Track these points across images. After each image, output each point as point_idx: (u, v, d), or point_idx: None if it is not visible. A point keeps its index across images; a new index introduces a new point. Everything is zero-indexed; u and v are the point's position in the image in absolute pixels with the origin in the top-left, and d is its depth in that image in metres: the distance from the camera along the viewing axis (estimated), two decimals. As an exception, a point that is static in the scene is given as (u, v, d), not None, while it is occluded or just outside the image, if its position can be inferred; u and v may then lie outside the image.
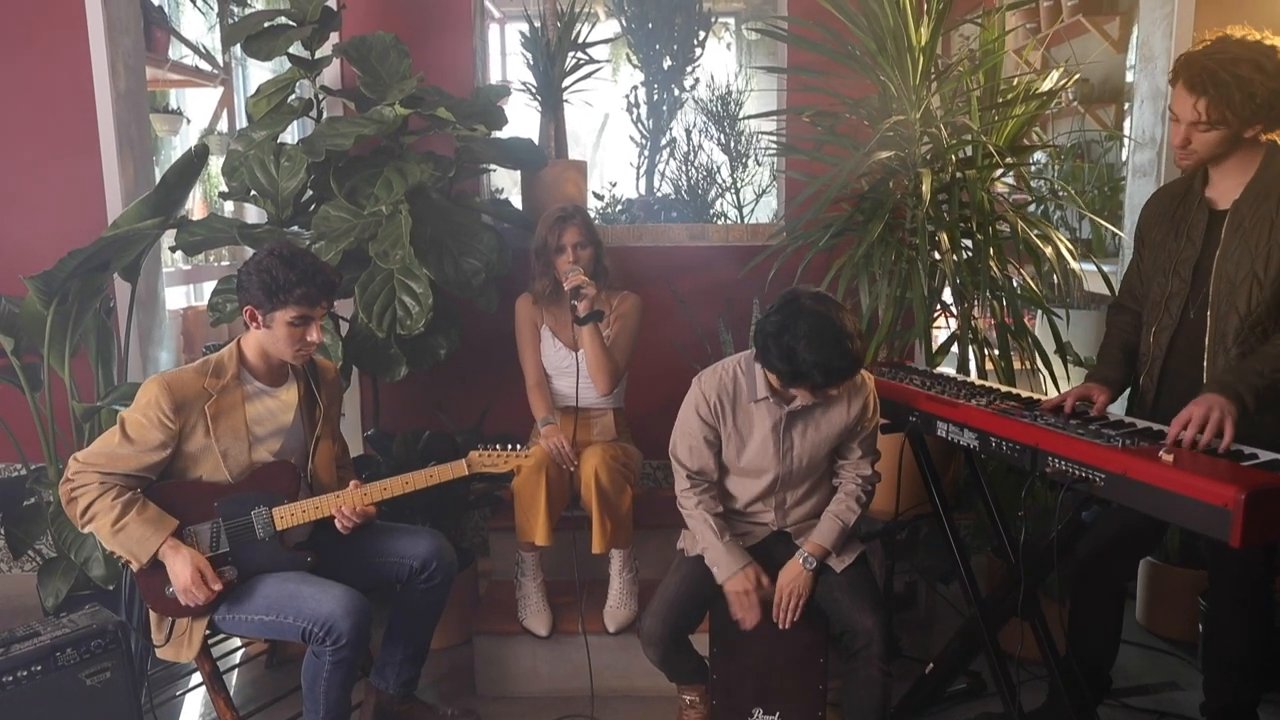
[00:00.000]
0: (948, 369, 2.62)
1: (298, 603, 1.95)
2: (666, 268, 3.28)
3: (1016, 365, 2.73)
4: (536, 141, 3.16)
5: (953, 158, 2.64)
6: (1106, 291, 2.62)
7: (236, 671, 2.73)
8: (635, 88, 3.71)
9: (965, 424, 1.96)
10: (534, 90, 3.22)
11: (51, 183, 3.09)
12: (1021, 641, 2.03)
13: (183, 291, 4.30)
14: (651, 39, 3.61)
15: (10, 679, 1.96)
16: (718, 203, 3.81)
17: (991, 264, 2.60)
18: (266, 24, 2.75)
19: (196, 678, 2.54)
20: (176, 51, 4.12)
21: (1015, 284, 2.70)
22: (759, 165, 3.88)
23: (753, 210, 3.93)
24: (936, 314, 2.76)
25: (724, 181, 3.80)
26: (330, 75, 3.21)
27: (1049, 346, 2.75)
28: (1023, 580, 1.93)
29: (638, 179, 3.79)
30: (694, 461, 2.14)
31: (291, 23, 2.76)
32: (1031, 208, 2.94)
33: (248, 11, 3.87)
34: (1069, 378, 2.86)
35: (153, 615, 2.04)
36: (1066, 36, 4.58)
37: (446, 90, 2.94)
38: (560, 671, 2.58)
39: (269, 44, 2.71)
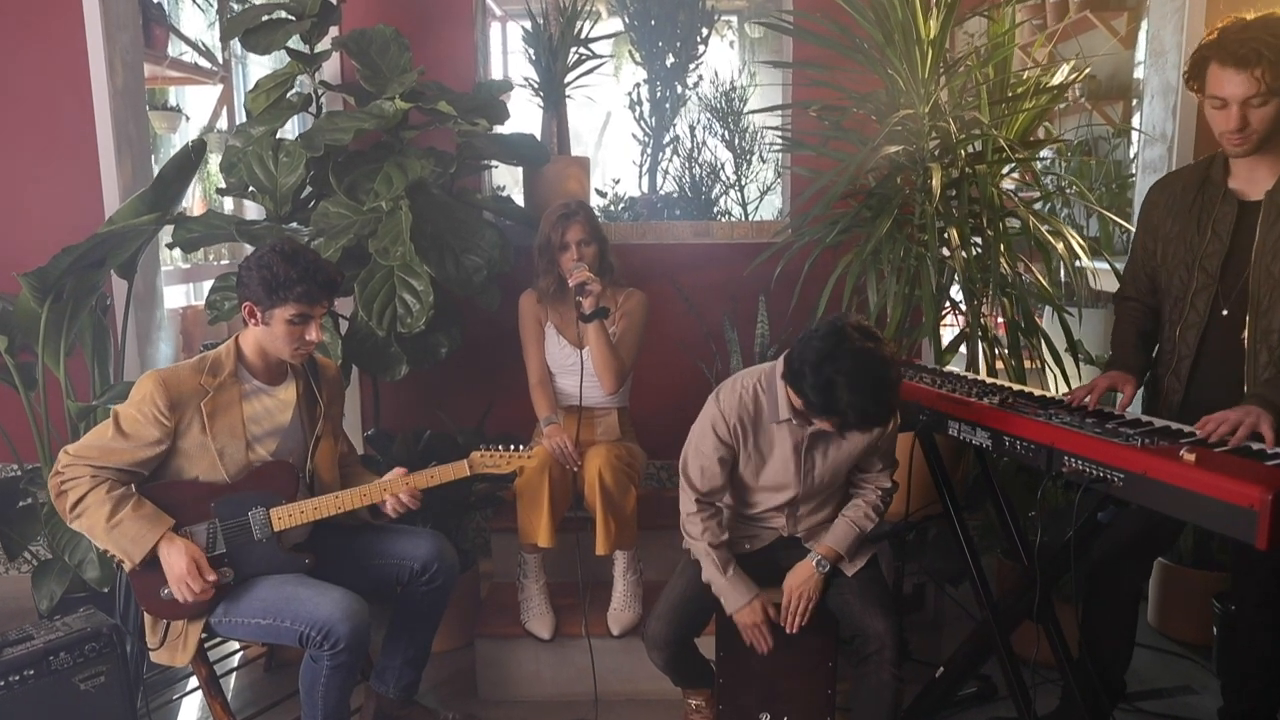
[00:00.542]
0: (954, 367, 2.58)
1: (294, 606, 1.91)
2: (670, 265, 3.24)
3: (1027, 364, 2.69)
4: (539, 138, 3.12)
5: (962, 152, 2.60)
6: (1112, 289, 2.58)
7: (235, 675, 2.69)
8: (638, 85, 3.67)
9: (978, 423, 1.92)
10: (536, 86, 3.18)
11: (49, 180, 3.07)
12: (1037, 646, 1.98)
13: (182, 290, 4.26)
14: (654, 36, 3.57)
15: (2, 684, 1.92)
16: (722, 200, 3.77)
17: (1002, 260, 2.55)
18: (265, 18, 2.71)
19: (193, 681, 2.49)
20: (176, 49, 4.09)
21: (1025, 281, 2.66)
22: (763, 162, 3.84)
23: (757, 208, 3.90)
24: (945, 311, 2.71)
25: (728, 179, 3.76)
26: (330, 70, 3.17)
27: (1059, 345, 2.71)
28: (1039, 583, 1.88)
29: (640, 177, 3.76)
30: (705, 483, 2.04)
31: (290, 16, 2.72)
32: (1038, 205, 2.90)
33: (246, 5, 3.84)
34: (1080, 376, 2.82)
35: (147, 618, 2.00)
36: (1073, 33, 4.54)
37: (448, 85, 2.90)
38: (563, 675, 2.54)
39: (267, 37, 2.67)
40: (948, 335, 2.92)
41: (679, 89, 3.65)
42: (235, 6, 4.01)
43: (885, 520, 2.47)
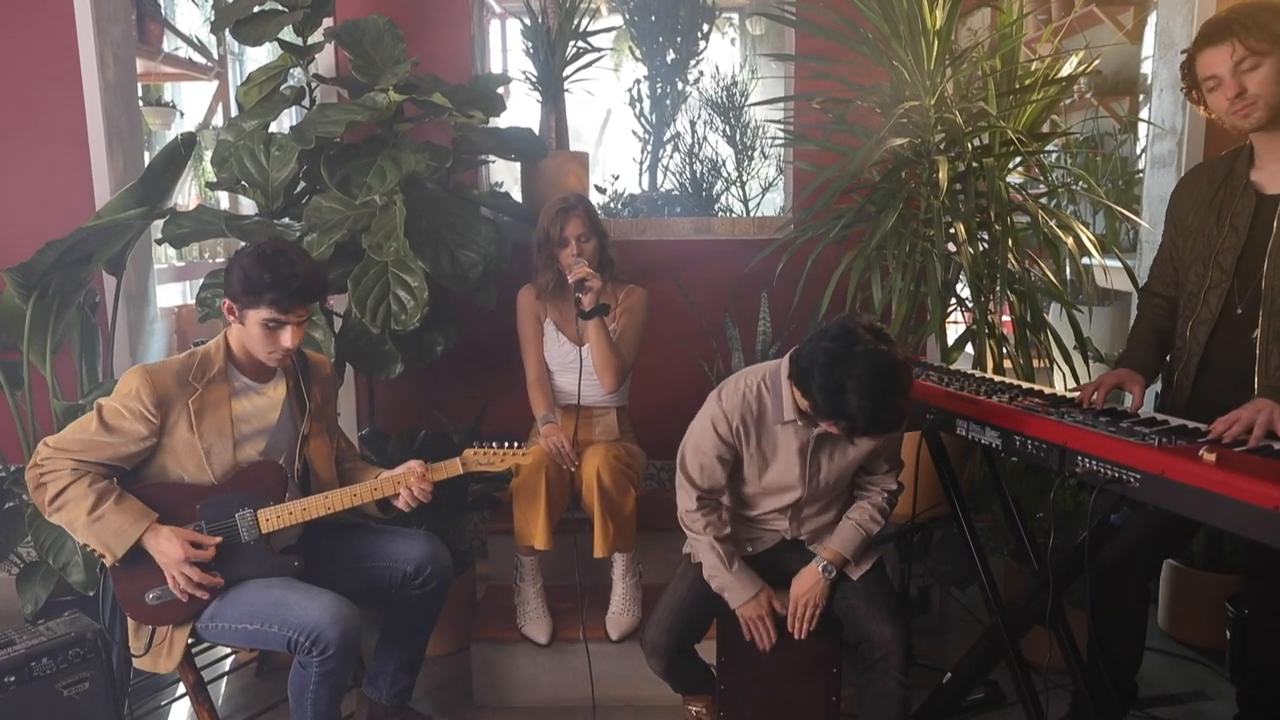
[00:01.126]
0: (960, 365, 2.53)
1: (282, 611, 1.86)
2: (670, 262, 3.19)
3: (1035, 363, 2.63)
4: (537, 133, 3.07)
5: (969, 145, 2.54)
6: (1124, 287, 2.53)
7: (226, 680, 2.63)
8: (638, 81, 3.62)
9: (987, 422, 1.86)
10: (534, 80, 3.13)
11: (38, 175, 3.01)
12: (1050, 652, 1.92)
13: (177, 289, 4.21)
14: (654, 31, 3.52)
15: (-18, 690, 1.86)
16: (723, 197, 3.72)
17: (1010, 256, 2.49)
18: (257, 8, 2.66)
19: (181, 687, 2.44)
20: (171, 44, 4.04)
21: (1034, 277, 2.60)
22: (765, 158, 3.79)
23: (758, 205, 3.85)
24: (951, 308, 2.66)
25: (729, 174, 3.71)
26: (325, 64, 3.12)
27: (1067, 343, 2.65)
28: (1052, 589, 1.82)
29: (641, 174, 3.71)
30: (704, 480, 1.98)
31: (283, 7, 2.67)
32: (1044, 200, 2.84)
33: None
34: (1089, 375, 2.76)
35: (130, 623, 1.94)
36: (1079, 27, 4.49)
37: (443, 79, 2.85)
38: (561, 680, 2.48)
39: (259, 29, 2.61)
40: (953, 332, 2.86)
41: (680, 85, 3.59)
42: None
43: (891, 521, 2.42)
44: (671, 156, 3.70)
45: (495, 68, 3.92)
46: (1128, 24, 4.40)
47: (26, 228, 2.88)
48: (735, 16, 5.71)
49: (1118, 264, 2.79)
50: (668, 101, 3.60)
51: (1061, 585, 1.86)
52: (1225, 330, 1.88)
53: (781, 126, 3.10)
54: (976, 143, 2.60)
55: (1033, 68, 2.70)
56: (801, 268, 2.66)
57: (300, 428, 2.07)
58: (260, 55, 4.47)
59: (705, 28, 3.55)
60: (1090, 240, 2.52)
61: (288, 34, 2.72)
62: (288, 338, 1.92)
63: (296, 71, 2.81)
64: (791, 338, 2.53)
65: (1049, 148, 3.59)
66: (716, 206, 3.68)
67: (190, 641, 1.97)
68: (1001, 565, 2.78)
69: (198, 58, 4.24)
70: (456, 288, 2.56)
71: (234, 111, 4.32)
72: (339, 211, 2.51)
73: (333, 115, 2.51)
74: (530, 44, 3.08)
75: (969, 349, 2.76)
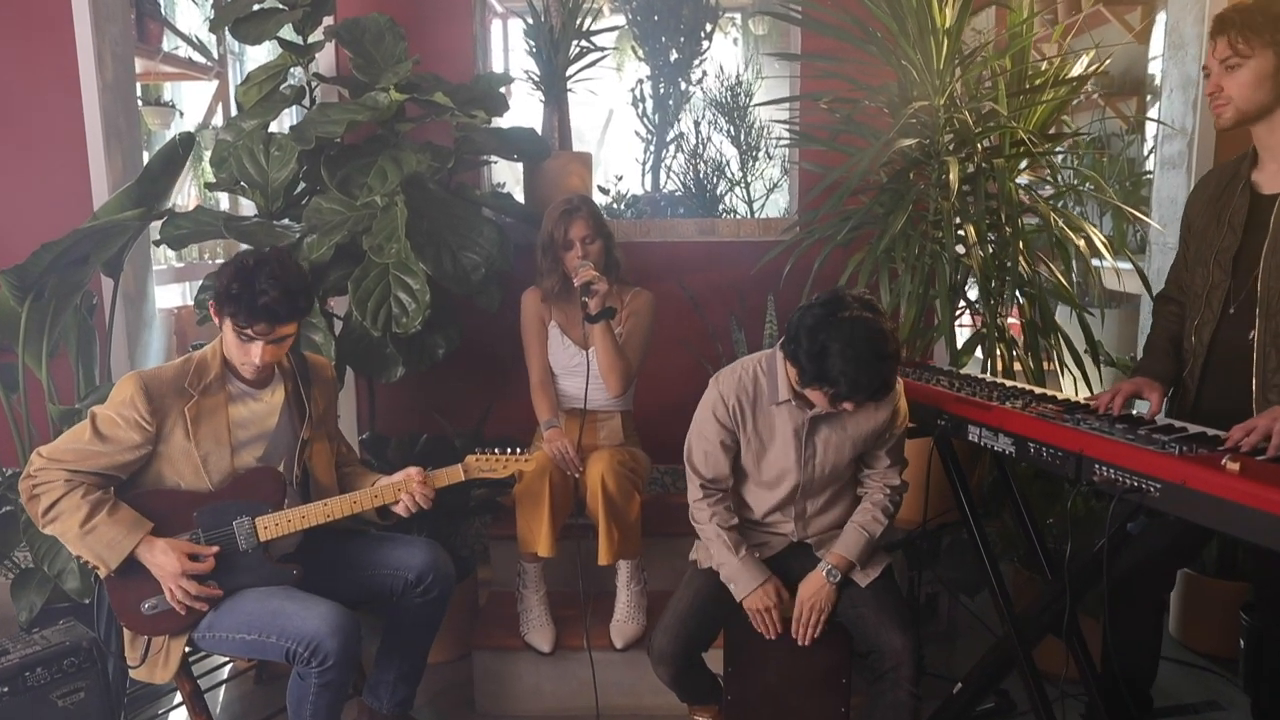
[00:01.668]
0: (968, 370, 2.49)
1: (281, 620, 1.82)
2: (675, 264, 3.15)
3: (1045, 366, 2.59)
4: (539, 133, 3.03)
5: (979, 146, 2.51)
6: (1133, 289, 2.49)
7: (224, 687, 2.59)
8: (640, 81, 3.58)
9: (1001, 428, 1.82)
10: (537, 80, 3.09)
11: (35, 175, 2.98)
12: (1067, 664, 1.88)
13: (177, 290, 4.17)
14: (657, 31, 3.49)
15: (-26, 702, 1.83)
16: (726, 198, 3.68)
17: (1021, 259, 2.45)
18: (256, 6, 2.62)
19: (178, 696, 2.40)
20: (170, 43, 4.01)
21: (1043, 278, 2.56)
22: (769, 158, 3.75)
23: (762, 206, 3.81)
24: (959, 311, 2.62)
25: (733, 175, 3.67)
26: (325, 63, 3.08)
27: (1076, 346, 2.61)
28: (1069, 599, 1.78)
29: (643, 175, 3.67)
30: (709, 469, 2.01)
31: (283, 5, 2.63)
32: (1052, 202, 2.81)
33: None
34: (1101, 379, 2.72)
35: (126, 633, 1.90)
36: (1086, 27, 4.45)
37: (445, 78, 2.81)
38: (564, 689, 2.45)
39: (258, 27, 2.58)
40: (960, 336, 2.83)
41: (683, 85, 3.56)
42: (229, -1, 3.92)
43: (901, 528, 2.38)
44: (674, 157, 3.66)
45: (496, 68, 3.88)
46: (1135, 24, 4.36)
47: (24, 229, 2.85)
48: (738, 17, 5.68)
49: (1125, 266, 2.75)
50: (670, 102, 3.57)
51: (1078, 596, 1.82)
52: (1224, 331, 1.87)
53: (787, 126, 3.06)
54: (986, 143, 2.56)
55: (1043, 68, 2.67)
56: (808, 270, 2.63)
57: (300, 433, 2.03)
58: (260, 54, 4.44)
59: (708, 27, 3.51)
60: (1102, 242, 2.48)
61: (287, 32, 2.68)
62: (255, 353, 1.88)
63: (297, 71, 2.78)
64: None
65: (1056, 149, 3.56)
66: (720, 207, 3.65)
67: (187, 651, 1.93)
68: (1010, 571, 2.74)
69: (197, 57, 4.21)
70: (458, 290, 2.52)
71: (234, 111, 4.29)
72: (339, 212, 2.47)
73: (333, 115, 2.48)
74: (533, 43, 3.04)
75: (977, 352, 2.72)
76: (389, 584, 2.07)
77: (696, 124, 3.66)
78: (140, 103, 3.77)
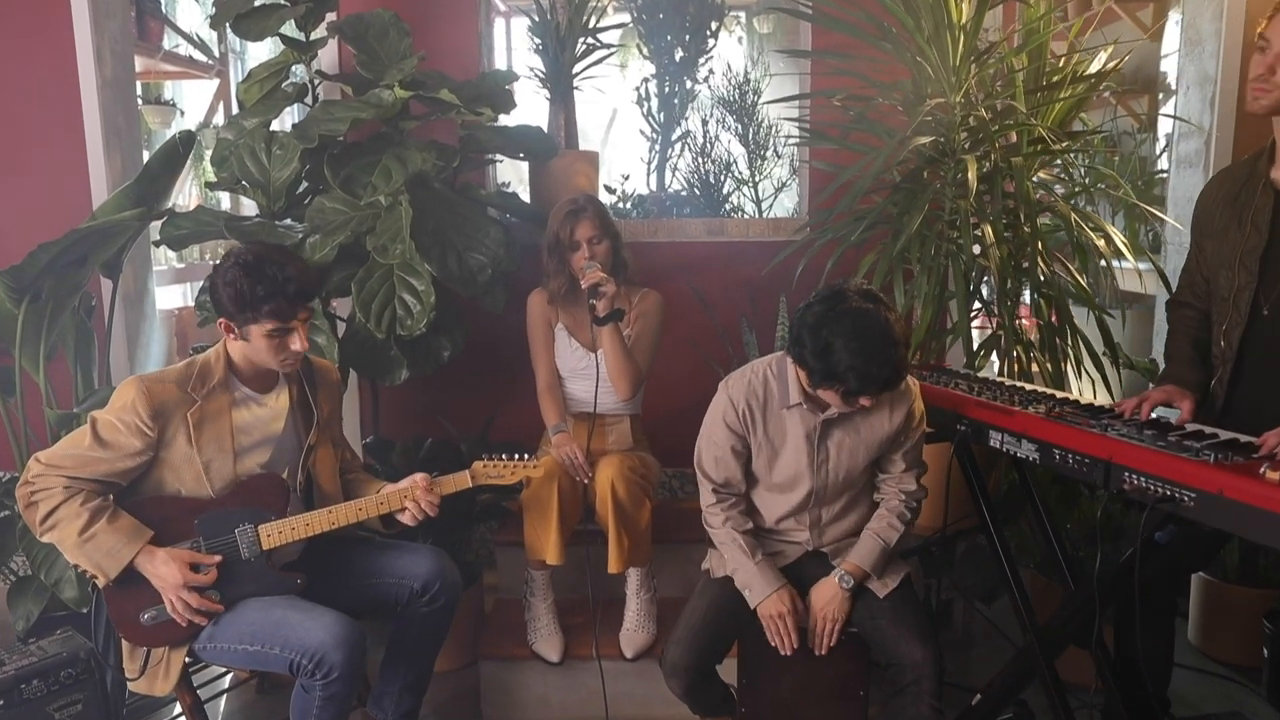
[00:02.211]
0: (985, 373, 2.44)
1: (284, 631, 1.77)
2: (683, 264, 3.10)
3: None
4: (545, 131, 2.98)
5: (996, 144, 2.45)
6: (1150, 289, 2.44)
7: (224, 698, 2.54)
8: (645, 80, 3.53)
9: (1024, 434, 1.76)
10: (543, 78, 3.04)
11: (33, 174, 2.92)
12: (1095, 678, 1.83)
13: (178, 291, 4.12)
14: (663, 29, 3.44)
15: (-32, 715, 1.78)
16: (734, 197, 3.63)
17: (1039, 260, 2.40)
18: (258, 2, 2.57)
19: (178, 708, 2.35)
20: (171, 41, 3.96)
21: (1062, 280, 2.51)
22: (778, 157, 3.70)
23: (770, 206, 3.75)
24: (975, 313, 2.57)
25: (740, 174, 3.62)
26: (328, 60, 3.03)
27: (1095, 348, 2.56)
28: (1098, 611, 1.73)
29: (649, 174, 3.62)
30: (720, 473, 1.96)
31: (285, 1, 2.58)
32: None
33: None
34: (1121, 382, 2.67)
35: (125, 644, 1.84)
36: (1098, 24, 4.39)
37: (450, 76, 2.76)
38: (573, 699, 2.40)
39: (260, 23, 2.53)
40: (975, 338, 2.78)
41: (688, 84, 3.51)
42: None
43: (919, 534, 2.33)
44: (680, 156, 3.61)
45: (499, 67, 3.84)
46: (1147, 21, 4.31)
47: (21, 228, 2.80)
48: (742, 15, 5.63)
49: (1140, 266, 2.70)
50: (676, 100, 3.52)
51: (1105, 606, 1.77)
52: (1256, 333, 1.81)
53: (798, 124, 3.01)
54: (1003, 141, 2.51)
55: (1060, 63, 2.62)
56: (820, 270, 2.58)
57: (305, 439, 1.98)
58: (262, 51, 4.39)
59: (714, 25, 3.46)
60: (1123, 242, 2.43)
61: (289, 29, 2.64)
62: (296, 342, 1.84)
63: (299, 68, 2.73)
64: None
65: (1073, 147, 3.51)
66: (727, 207, 3.60)
67: (188, 661, 1.88)
68: (1028, 578, 2.69)
69: (198, 55, 4.16)
70: (464, 291, 2.47)
71: (235, 109, 4.25)
72: (343, 212, 2.42)
73: (336, 113, 2.43)
74: (539, 40, 2.99)
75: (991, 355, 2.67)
76: (394, 593, 2.02)
77: (704, 122, 3.61)
78: (140, 101, 3.73)
